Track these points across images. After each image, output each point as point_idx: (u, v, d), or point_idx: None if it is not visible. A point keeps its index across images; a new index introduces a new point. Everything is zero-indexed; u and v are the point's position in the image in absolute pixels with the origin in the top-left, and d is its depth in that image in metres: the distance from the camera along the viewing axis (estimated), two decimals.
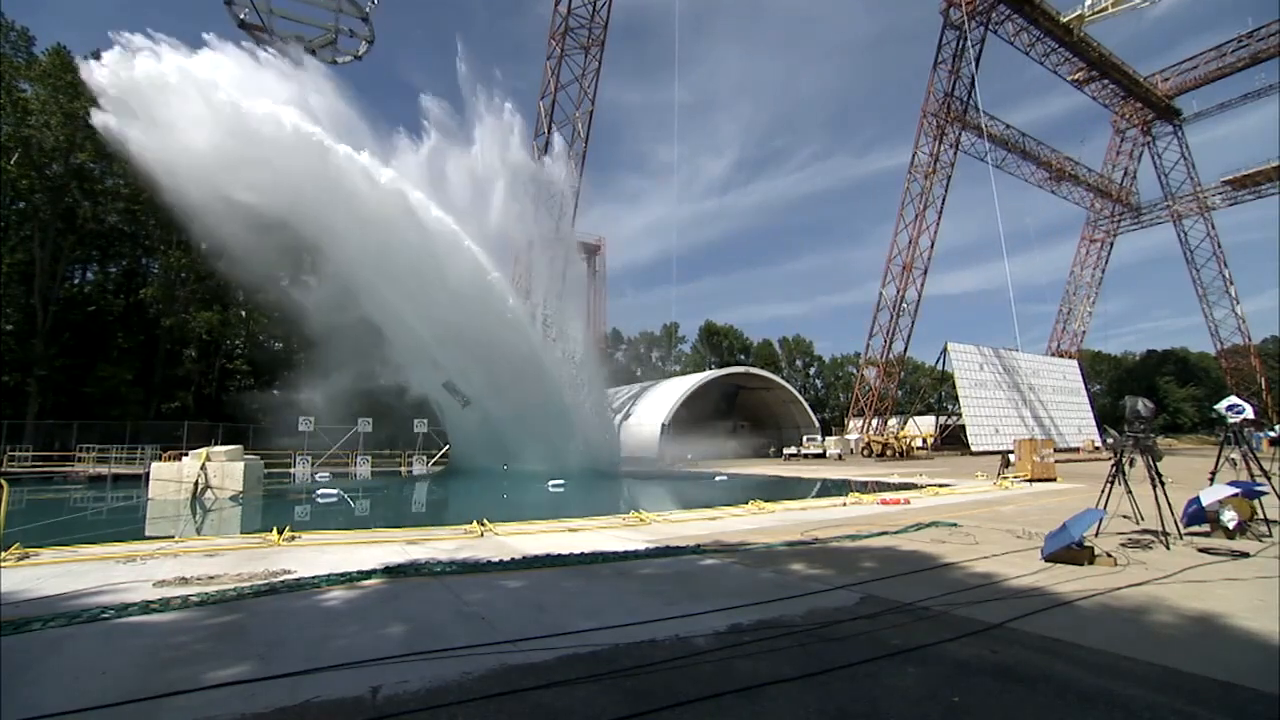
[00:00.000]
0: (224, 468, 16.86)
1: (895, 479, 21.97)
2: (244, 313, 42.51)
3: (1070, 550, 6.48)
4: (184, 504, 15.34)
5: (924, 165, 47.12)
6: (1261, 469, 9.17)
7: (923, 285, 47.30)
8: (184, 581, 5.80)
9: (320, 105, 22.37)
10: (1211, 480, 9.43)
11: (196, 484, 16.17)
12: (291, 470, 27.70)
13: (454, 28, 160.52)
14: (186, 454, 17.41)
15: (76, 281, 38.87)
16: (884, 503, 13.40)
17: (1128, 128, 65.53)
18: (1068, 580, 5.72)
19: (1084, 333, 68.91)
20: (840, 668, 3.54)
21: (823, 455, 45.63)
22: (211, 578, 5.97)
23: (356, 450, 36.09)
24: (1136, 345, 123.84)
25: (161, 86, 19.12)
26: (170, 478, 16.38)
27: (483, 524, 9.56)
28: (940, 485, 18.03)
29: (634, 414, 49.63)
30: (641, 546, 7.83)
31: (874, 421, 47.33)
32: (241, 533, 9.08)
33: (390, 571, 6.17)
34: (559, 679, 3.37)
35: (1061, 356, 63.54)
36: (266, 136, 19.30)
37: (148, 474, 17.25)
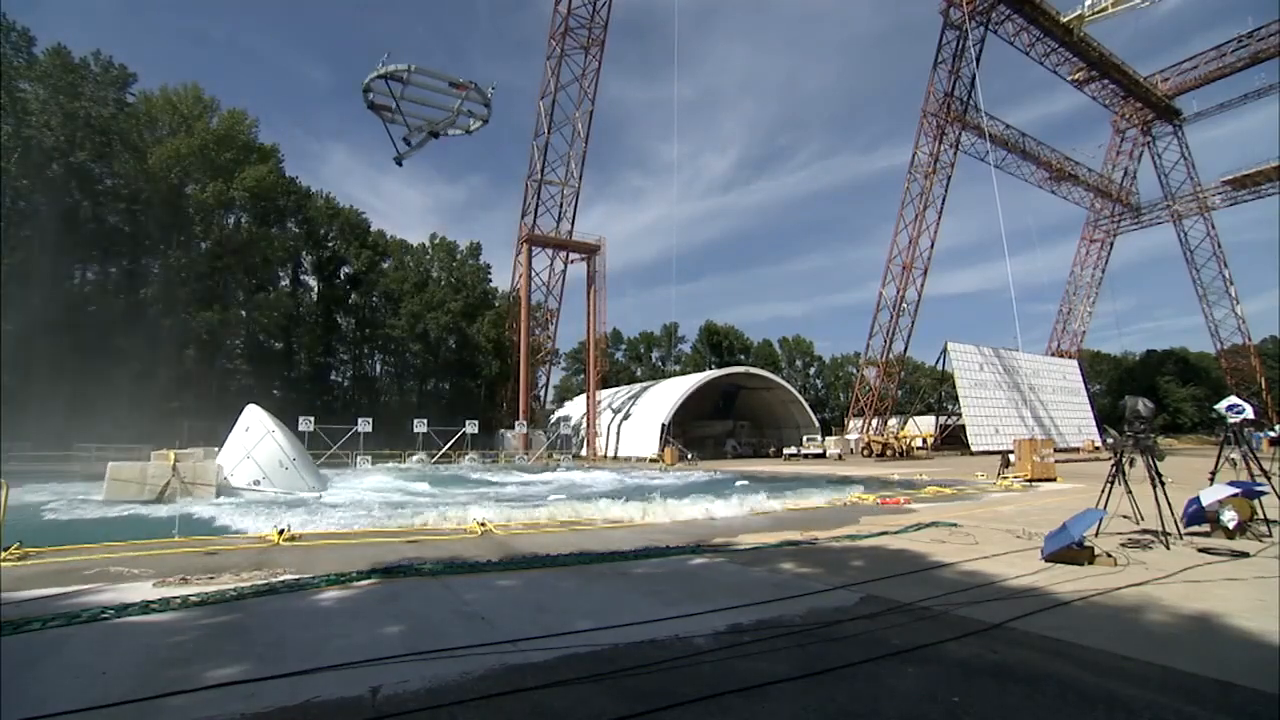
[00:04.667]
0: (195, 467, 16.16)
1: (896, 478, 21.97)
2: (244, 313, 42.55)
3: (1070, 550, 6.48)
4: (150, 505, 14.28)
5: (924, 165, 47.12)
6: (1261, 469, 9.18)
7: (923, 285, 47.34)
8: (184, 581, 5.80)
9: None
10: (1211, 480, 9.43)
11: (166, 484, 15.38)
12: None
13: (455, 24, 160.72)
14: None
15: (76, 281, 38.87)
16: (884, 502, 13.41)
17: (1128, 128, 65.50)
18: (1068, 580, 5.72)
19: (1084, 333, 68.98)
20: (840, 668, 3.54)
21: (823, 455, 45.64)
22: (211, 578, 5.98)
23: (356, 450, 36.16)
24: (1137, 345, 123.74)
25: None
26: (132, 478, 15.37)
27: (483, 524, 9.58)
28: (942, 486, 18.01)
29: (633, 414, 49.67)
30: (641, 545, 7.84)
31: (874, 421, 47.33)
32: (239, 533, 9.07)
33: (389, 571, 6.17)
34: (559, 679, 3.37)
35: (1061, 356, 63.54)
36: None
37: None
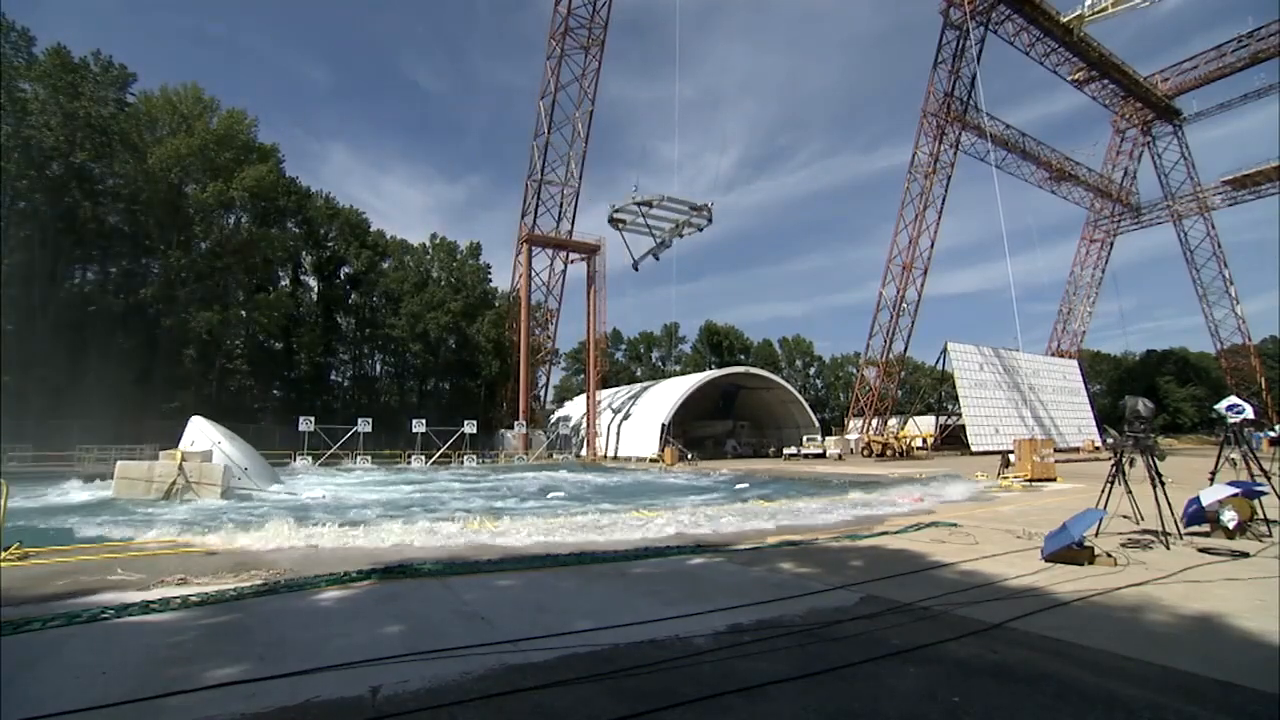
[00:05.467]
0: (201, 467, 16.23)
1: (895, 478, 21.95)
2: (244, 313, 42.55)
3: (1070, 550, 6.48)
4: (158, 504, 14.40)
5: (924, 165, 47.10)
6: (1261, 469, 9.18)
7: (923, 285, 47.32)
8: (184, 581, 5.80)
9: None
10: (1211, 480, 9.43)
11: (173, 484, 15.45)
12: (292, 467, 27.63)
13: (455, 24, 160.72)
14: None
15: (76, 281, 38.82)
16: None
17: (1128, 128, 65.46)
18: (1067, 580, 5.72)
19: (1084, 333, 68.95)
20: (841, 667, 3.54)
21: (823, 455, 45.61)
22: (211, 577, 5.97)
23: (356, 450, 36.16)
24: (1137, 345, 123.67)
25: None
26: (139, 477, 15.55)
27: (483, 524, 9.58)
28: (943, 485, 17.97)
29: (633, 414, 49.63)
30: (642, 545, 7.83)
31: (874, 421, 47.30)
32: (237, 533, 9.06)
33: (389, 571, 6.17)
34: (559, 679, 3.37)
35: (1061, 356, 63.52)
36: None
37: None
